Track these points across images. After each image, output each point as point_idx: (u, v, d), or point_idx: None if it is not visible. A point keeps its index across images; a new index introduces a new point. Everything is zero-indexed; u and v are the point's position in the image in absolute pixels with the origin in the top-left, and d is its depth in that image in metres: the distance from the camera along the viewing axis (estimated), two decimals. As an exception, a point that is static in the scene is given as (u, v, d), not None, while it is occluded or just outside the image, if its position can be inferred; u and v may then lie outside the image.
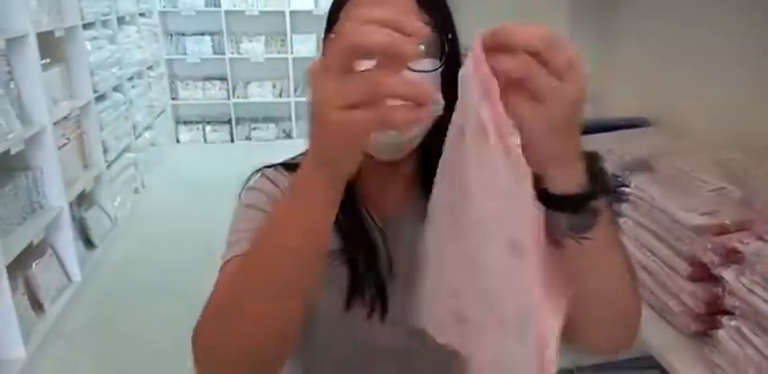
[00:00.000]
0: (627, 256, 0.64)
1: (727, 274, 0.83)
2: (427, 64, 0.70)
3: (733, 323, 0.81)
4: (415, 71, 0.68)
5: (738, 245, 0.81)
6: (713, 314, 0.89)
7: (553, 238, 0.57)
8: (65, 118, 3.16)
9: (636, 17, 1.66)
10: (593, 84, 0.57)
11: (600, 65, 1.73)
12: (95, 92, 3.61)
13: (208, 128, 6.00)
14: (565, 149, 0.52)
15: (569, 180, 0.54)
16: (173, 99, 5.89)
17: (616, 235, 0.62)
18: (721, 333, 0.83)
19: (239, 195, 0.84)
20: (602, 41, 1.76)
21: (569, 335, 0.59)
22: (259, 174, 0.86)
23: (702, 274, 0.91)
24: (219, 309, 0.61)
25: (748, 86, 1.24)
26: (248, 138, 6.01)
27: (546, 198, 0.54)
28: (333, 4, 0.78)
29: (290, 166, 0.87)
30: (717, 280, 0.88)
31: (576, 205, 0.55)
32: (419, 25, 0.45)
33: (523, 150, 0.51)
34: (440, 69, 0.71)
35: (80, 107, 3.41)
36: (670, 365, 0.91)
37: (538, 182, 0.54)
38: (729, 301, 0.82)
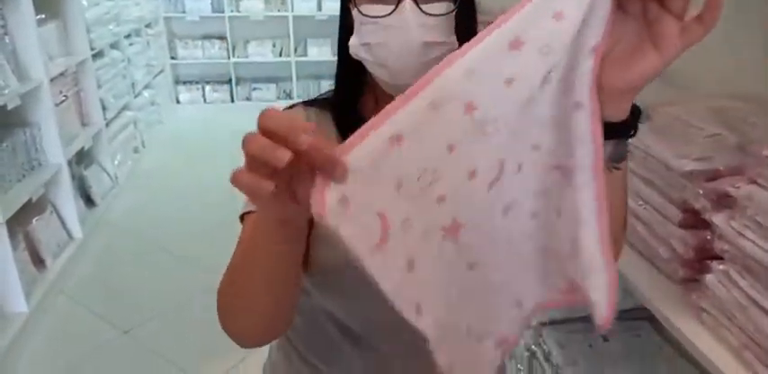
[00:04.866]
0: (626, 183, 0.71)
1: (718, 219, 0.82)
2: (441, 7, 0.71)
3: (721, 267, 0.81)
4: (429, 15, 0.70)
5: (730, 189, 0.80)
6: (702, 260, 0.89)
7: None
8: (61, 74, 3.13)
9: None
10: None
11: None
12: (92, 49, 3.57)
13: (207, 88, 5.95)
14: (648, 77, 0.58)
15: (626, 108, 0.60)
16: (172, 58, 5.82)
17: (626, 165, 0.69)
18: (709, 277, 0.83)
19: None
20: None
21: None
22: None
23: (694, 221, 0.91)
24: (226, 280, 0.68)
25: (747, 38, 1.21)
26: (248, 99, 5.96)
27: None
28: None
29: (313, 103, 0.87)
30: (707, 226, 0.87)
31: (627, 131, 0.62)
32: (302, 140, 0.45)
33: (612, 65, 0.57)
34: (454, 12, 0.72)
35: (77, 64, 3.37)
36: (658, 311, 0.91)
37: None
38: (719, 246, 0.82)
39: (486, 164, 0.58)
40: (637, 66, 0.57)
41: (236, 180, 0.47)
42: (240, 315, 0.68)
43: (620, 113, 0.60)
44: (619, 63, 0.57)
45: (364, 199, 0.48)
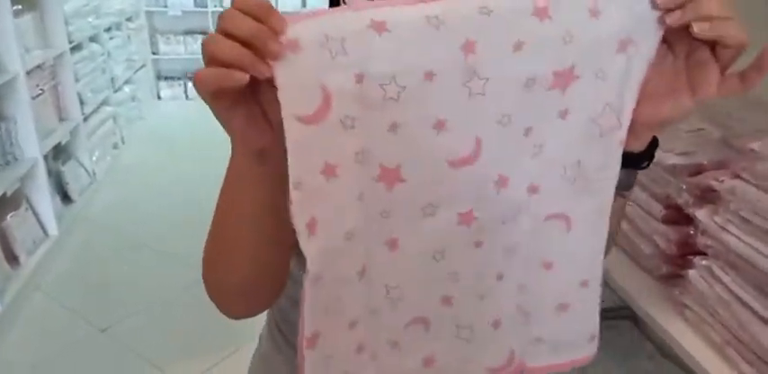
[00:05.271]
0: None
1: (701, 214, 0.81)
2: None
3: (704, 262, 0.80)
4: None
5: (714, 183, 0.79)
6: (684, 255, 0.87)
7: None
8: (38, 67, 3.07)
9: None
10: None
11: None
12: (71, 42, 3.49)
13: (190, 84, 5.88)
14: (675, 119, 0.56)
15: (645, 142, 0.59)
16: (153, 54, 5.74)
17: None
18: (692, 273, 0.82)
19: None
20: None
21: None
22: None
23: (676, 217, 0.90)
24: (209, 238, 0.64)
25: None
26: (231, 95, 5.90)
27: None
28: None
29: None
30: (690, 222, 0.86)
31: (641, 162, 0.62)
32: (281, 21, 0.47)
33: (643, 99, 0.55)
34: None
35: (54, 57, 3.30)
36: (640, 308, 0.90)
37: None
38: (701, 241, 0.81)
39: (456, 128, 0.50)
40: (669, 104, 0.55)
41: (201, 76, 0.48)
42: (225, 270, 0.63)
43: (638, 145, 0.59)
44: (651, 98, 0.55)
45: (317, 64, 0.45)
